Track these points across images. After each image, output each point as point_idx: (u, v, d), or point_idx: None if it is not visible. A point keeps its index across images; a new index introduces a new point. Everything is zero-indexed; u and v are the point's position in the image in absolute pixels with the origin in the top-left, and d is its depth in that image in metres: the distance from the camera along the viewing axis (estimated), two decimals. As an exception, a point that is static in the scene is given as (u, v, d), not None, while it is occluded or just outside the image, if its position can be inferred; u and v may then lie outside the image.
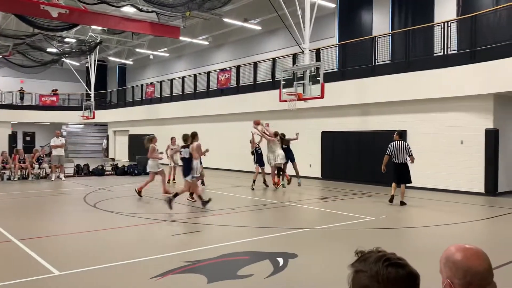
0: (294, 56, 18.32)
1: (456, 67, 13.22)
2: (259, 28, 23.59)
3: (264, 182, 14.89)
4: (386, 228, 8.56)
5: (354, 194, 13.62)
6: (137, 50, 30.81)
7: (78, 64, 34.24)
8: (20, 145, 34.89)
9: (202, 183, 14.61)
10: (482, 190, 13.15)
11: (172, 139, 15.95)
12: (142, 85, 31.03)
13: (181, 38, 24.06)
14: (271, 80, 19.71)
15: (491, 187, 13.07)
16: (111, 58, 35.50)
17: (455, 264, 1.61)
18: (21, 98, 34.31)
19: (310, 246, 7.08)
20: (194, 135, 10.70)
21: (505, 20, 12.60)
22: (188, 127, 25.58)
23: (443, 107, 14.06)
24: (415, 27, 15.10)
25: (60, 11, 15.34)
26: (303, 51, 15.10)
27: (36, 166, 18.09)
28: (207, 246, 6.84)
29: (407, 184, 11.38)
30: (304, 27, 14.91)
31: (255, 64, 21.14)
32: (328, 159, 17.90)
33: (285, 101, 14.79)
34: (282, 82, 15.07)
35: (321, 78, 13.85)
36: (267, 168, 14.89)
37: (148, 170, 13.17)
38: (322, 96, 13.81)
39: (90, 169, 20.05)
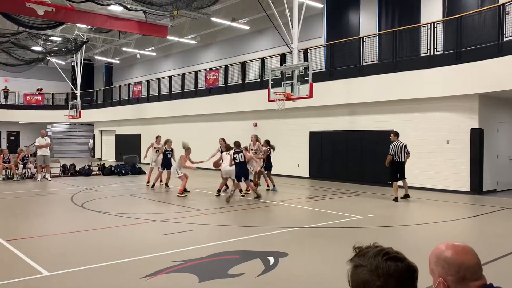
0: (283, 56, 18.37)
1: (442, 67, 13.42)
2: (247, 27, 23.58)
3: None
4: (375, 226, 8.66)
5: (342, 193, 13.73)
6: (124, 49, 30.54)
7: (63, 63, 33.82)
8: (4, 145, 34.36)
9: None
10: (468, 189, 13.37)
11: (157, 138, 15.77)
12: (129, 85, 30.80)
13: (168, 37, 23.97)
14: (259, 79, 19.74)
15: (476, 186, 13.29)
16: (97, 57, 35.14)
17: (447, 261, 1.64)
18: (5, 97, 33.78)
19: (300, 244, 7.12)
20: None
21: (489, 21, 12.81)
22: (176, 127, 25.60)
23: (429, 107, 14.25)
24: (402, 28, 15.28)
25: (46, 9, 15.18)
26: (291, 51, 15.15)
27: (21, 166, 17.83)
28: (198, 245, 6.84)
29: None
30: (292, 27, 14.96)
31: (243, 63, 21.14)
32: (316, 159, 18.00)
33: (274, 100, 14.82)
34: (271, 82, 15.10)
35: (309, 78, 13.92)
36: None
37: (176, 177, 13.13)
38: (310, 96, 13.88)
39: (77, 169, 19.84)
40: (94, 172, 20.12)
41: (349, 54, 16.60)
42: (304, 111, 17.83)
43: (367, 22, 18.67)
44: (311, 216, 10.19)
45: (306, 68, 14.28)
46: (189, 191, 13.18)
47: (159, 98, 26.94)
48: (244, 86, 20.76)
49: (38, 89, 35.01)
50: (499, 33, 12.31)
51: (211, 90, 22.72)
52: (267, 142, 14.21)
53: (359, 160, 16.37)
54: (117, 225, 8.76)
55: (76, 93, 31.00)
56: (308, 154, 18.28)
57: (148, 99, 28.09)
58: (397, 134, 12.08)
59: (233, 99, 20.99)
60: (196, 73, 24.36)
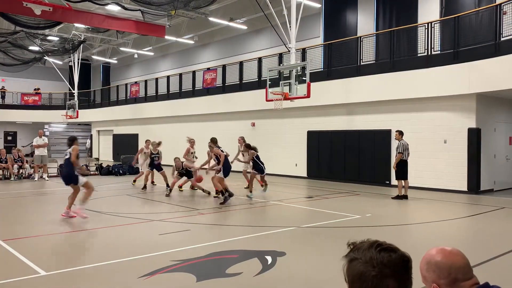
0: (280, 56, 18.38)
1: (440, 67, 13.44)
2: (245, 27, 23.58)
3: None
4: (372, 225, 8.66)
5: (340, 192, 13.74)
6: (122, 48, 30.50)
7: (61, 62, 33.75)
8: (1, 144, 34.25)
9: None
10: (465, 188, 13.40)
11: (147, 142, 15.62)
12: (126, 84, 30.74)
13: (166, 37, 23.94)
14: (257, 79, 19.74)
15: (474, 185, 13.32)
16: (94, 57, 35.09)
17: (437, 265, 1.68)
18: (2, 97, 33.68)
19: (298, 244, 7.12)
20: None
21: (486, 21, 12.85)
22: (174, 127, 25.56)
23: (427, 107, 14.28)
24: (399, 28, 15.31)
25: (43, 9, 15.15)
26: (289, 51, 15.16)
27: (16, 166, 17.76)
28: (196, 245, 6.83)
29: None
30: (290, 27, 14.97)
31: (241, 63, 21.13)
32: (314, 159, 18.01)
33: (272, 100, 14.83)
34: (268, 82, 15.12)
35: (307, 78, 13.94)
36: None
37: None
38: (308, 96, 13.89)
39: (74, 169, 19.75)
40: (91, 172, 20.06)
41: (347, 54, 16.62)
42: (302, 111, 17.85)
43: (365, 22, 18.70)
44: (308, 215, 10.20)
45: (304, 68, 14.31)
46: (181, 190, 13.71)
47: (157, 98, 26.90)
48: (242, 86, 20.76)
49: (35, 89, 34.91)
50: (496, 33, 12.35)
51: (209, 90, 22.70)
52: (248, 146, 13.27)
53: (356, 159, 16.39)
54: (115, 224, 8.74)
55: (74, 93, 30.95)
56: (305, 153, 18.30)
57: (146, 99, 28.05)
58: (402, 133, 12.18)
59: (231, 99, 20.99)
60: (193, 73, 24.34)
